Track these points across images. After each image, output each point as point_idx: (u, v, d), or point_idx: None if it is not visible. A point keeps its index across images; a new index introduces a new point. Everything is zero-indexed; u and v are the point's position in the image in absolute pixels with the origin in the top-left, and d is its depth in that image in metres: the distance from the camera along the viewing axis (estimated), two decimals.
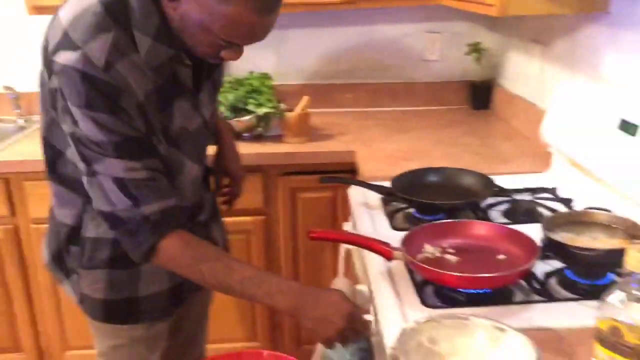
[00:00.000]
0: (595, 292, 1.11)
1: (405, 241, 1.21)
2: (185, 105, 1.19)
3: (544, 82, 2.10)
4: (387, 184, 1.60)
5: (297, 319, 1.07)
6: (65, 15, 1.06)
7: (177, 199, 1.13)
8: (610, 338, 0.78)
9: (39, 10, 2.18)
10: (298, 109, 2.18)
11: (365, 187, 1.59)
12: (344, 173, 2.07)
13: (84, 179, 1.11)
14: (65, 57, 1.01)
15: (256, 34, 1.05)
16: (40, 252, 2.12)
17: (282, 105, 2.23)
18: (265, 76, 2.24)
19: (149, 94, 1.09)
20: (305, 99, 2.21)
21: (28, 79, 2.58)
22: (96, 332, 1.34)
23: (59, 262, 1.31)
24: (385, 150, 2.09)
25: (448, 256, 1.22)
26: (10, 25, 2.52)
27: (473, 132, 2.29)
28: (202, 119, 1.25)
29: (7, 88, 2.51)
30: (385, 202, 1.61)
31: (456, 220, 1.35)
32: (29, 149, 2.16)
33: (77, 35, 1.02)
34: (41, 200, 2.06)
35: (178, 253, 1.10)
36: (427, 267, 1.14)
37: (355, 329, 1.06)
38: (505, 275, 1.13)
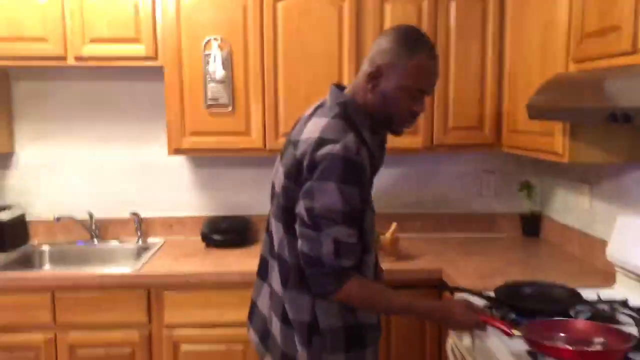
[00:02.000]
0: None
1: (526, 327, 1.61)
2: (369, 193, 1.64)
3: (594, 215, 2.56)
4: (490, 294, 1.99)
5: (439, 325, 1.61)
6: (312, 132, 1.54)
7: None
8: None
9: (177, 151, 2.69)
10: (389, 233, 2.61)
11: (475, 295, 1.97)
12: (429, 288, 2.47)
13: (299, 230, 1.50)
14: (329, 148, 1.48)
15: (434, 77, 1.61)
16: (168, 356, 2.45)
17: None
18: None
19: (370, 175, 1.57)
20: (394, 225, 2.65)
21: (149, 207, 3.06)
22: None
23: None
24: (467, 268, 2.49)
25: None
26: (147, 163, 3.05)
27: (534, 255, 2.71)
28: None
29: (134, 214, 2.95)
30: (488, 308, 1.98)
31: (565, 318, 1.72)
32: (165, 264, 2.55)
33: (333, 135, 1.50)
34: (177, 308, 2.43)
35: (354, 293, 1.52)
36: (546, 343, 1.51)
37: (477, 327, 1.64)
38: (613, 351, 1.50)
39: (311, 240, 1.48)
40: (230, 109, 2.66)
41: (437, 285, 2.08)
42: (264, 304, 1.70)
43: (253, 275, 1.83)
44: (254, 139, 2.69)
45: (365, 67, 1.62)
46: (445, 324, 1.68)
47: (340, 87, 1.69)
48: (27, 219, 2.98)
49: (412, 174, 3.12)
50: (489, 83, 2.72)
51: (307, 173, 1.50)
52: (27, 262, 2.82)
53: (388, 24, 2.65)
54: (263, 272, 1.73)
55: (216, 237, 2.80)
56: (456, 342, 2.05)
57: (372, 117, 1.61)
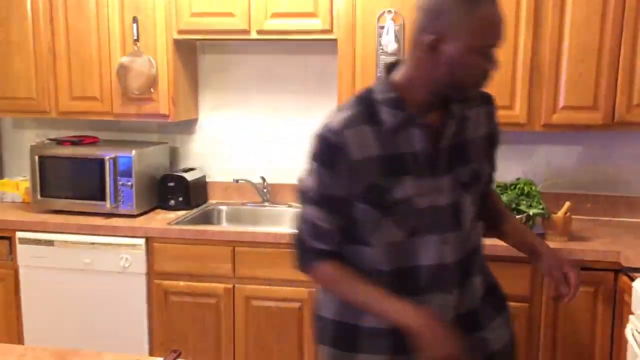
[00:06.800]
0: None
1: None
2: (419, 182, 1.39)
3: None
4: None
5: (408, 333, 1.34)
6: None
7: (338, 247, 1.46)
8: None
9: None
10: (562, 212, 2.52)
11: None
12: (604, 271, 2.35)
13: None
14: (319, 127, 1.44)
15: (501, 25, 1.35)
16: None
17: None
18: (532, 182, 2.62)
19: (370, 159, 1.37)
20: (567, 204, 2.54)
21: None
22: None
23: None
24: None
25: None
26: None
27: None
28: (436, 201, 1.41)
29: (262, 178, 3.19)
30: None
31: None
32: None
33: (331, 114, 1.45)
34: None
35: (327, 276, 1.47)
36: None
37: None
38: None
39: (297, 219, 1.50)
40: None
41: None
42: None
43: None
44: None
45: (416, 37, 1.39)
46: (418, 340, 1.34)
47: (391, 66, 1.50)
48: (207, 180, 3.27)
49: (588, 152, 2.95)
50: None
51: None
52: (207, 219, 3.11)
53: None
54: None
55: None
56: (637, 326, 1.95)
57: (400, 98, 1.40)
